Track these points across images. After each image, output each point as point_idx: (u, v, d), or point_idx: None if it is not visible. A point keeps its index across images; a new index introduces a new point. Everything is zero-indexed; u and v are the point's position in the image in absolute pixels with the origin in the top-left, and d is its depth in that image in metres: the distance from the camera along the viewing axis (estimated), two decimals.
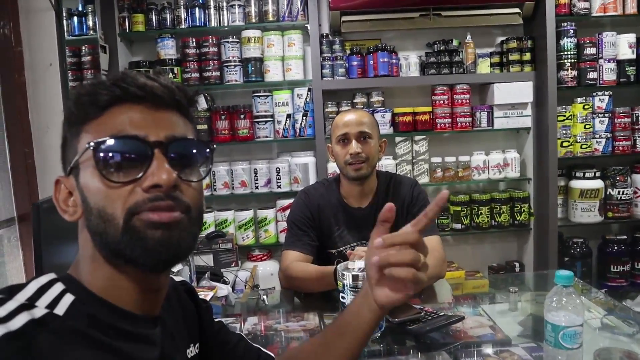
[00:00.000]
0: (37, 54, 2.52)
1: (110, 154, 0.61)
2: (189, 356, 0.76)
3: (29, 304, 0.58)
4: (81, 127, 0.64)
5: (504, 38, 2.98)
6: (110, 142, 0.61)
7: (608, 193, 2.95)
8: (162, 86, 0.65)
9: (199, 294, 0.90)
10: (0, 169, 2.37)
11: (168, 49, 2.86)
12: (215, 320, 0.90)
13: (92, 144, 0.61)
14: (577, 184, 2.93)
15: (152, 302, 0.69)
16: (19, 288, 0.60)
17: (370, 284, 0.76)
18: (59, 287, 0.62)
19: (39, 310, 0.57)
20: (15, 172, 2.40)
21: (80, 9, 2.84)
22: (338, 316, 0.84)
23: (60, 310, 0.59)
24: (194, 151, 0.67)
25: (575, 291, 1.02)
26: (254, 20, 2.87)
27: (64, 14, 2.74)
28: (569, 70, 2.86)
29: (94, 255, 0.65)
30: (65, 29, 2.72)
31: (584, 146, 2.92)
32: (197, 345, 0.80)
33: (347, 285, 1.24)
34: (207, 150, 0.69)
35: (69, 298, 0.61)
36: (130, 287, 0.65)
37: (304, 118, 2.89)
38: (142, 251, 0.61)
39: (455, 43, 2.91)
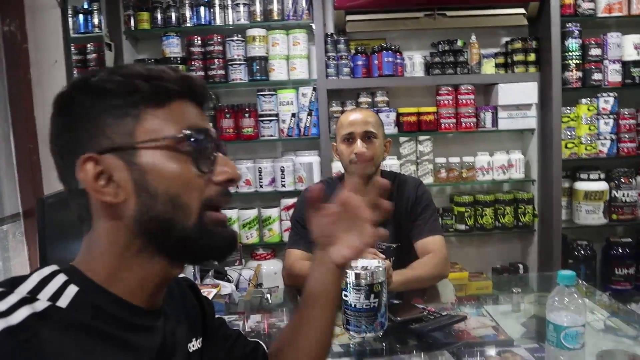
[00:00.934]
0: (42, 51, 2.53)
1: (198, 144, 0.64)
2: (191, 350, 0.76)
3: (31, 297, 0.57)
4: (142, 109, 0.62)
5: (508, 39, 2.97)
6: (199, 134, 0.65)
7: (613, 195, 2.93)
8: (205, 88, 0.70)
9: (202, 291, 0.90)
10: (6, 164, 2.38)
11: (173, 47, 2.87)
12: (216, 316, 0.91)
13: (186, 132, 0.64)
14: (582, 186, 2.92)
15: (157, 295, 0.69)
16: (21, 280, 0.60)
17: (325, 248, 0.86)
18: (61, 278, 0.61)
19: (41, 304, 0.56)
20: (21, 168, 2.41)
21: (85, 6, 2.86)
22: (304, 291, 0.91)
23: (63, 302, 0.58)
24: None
25: (577, 291, 1.02)
26: (258, 19, 2.88)
27: (70, 12, 2.74)
28: (574, 71, 2.85)
29: (126, 244, 0.63)
30: (70, 27, 2.72)
31: (588, 148, 2.91)
32: (200, 339, 0.81)
33: (349, 284, 1.24)
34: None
35: (72, 289, 0.60)
36: (149, 279, 0.65)
37: (309, 117, 2.89)
38: (210, 247, 0.66)
39: (459, 43, 2.90)
